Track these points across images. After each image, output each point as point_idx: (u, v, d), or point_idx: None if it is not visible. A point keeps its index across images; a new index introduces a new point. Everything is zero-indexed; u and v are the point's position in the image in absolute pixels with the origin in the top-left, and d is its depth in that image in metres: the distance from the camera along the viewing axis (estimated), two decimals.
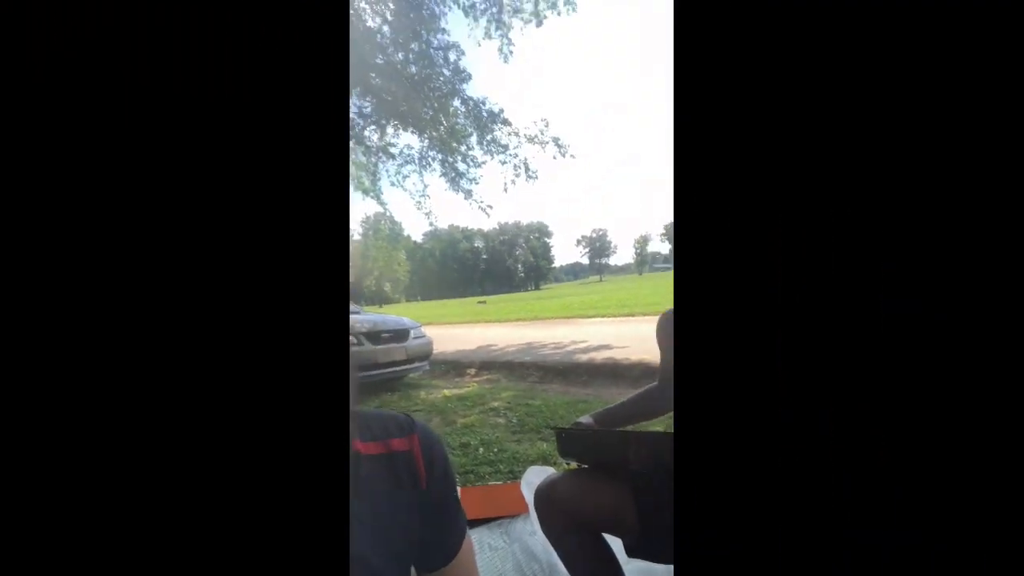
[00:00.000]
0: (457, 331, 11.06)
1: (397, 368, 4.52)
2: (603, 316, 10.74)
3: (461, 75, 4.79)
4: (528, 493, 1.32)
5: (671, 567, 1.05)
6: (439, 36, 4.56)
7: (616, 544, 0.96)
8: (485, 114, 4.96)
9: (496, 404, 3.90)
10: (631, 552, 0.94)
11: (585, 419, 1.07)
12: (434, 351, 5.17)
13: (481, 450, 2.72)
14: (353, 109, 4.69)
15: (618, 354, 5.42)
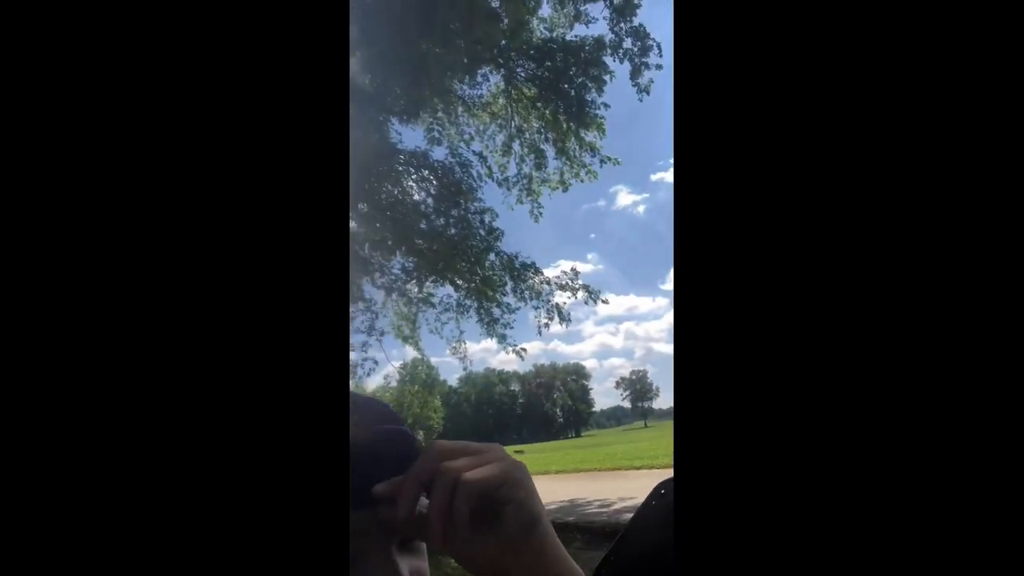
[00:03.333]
0: None
1: None
2: (651, 467, 9.75)
3: (495, 233, 5.36)
4: None
5: None
6: (475, 203, 5.28)
7: None
8: (518, 265, 5.38)
9: None
10: None
11: None
12: None
13: None
14: (397, 268, 5.25)
15: None
